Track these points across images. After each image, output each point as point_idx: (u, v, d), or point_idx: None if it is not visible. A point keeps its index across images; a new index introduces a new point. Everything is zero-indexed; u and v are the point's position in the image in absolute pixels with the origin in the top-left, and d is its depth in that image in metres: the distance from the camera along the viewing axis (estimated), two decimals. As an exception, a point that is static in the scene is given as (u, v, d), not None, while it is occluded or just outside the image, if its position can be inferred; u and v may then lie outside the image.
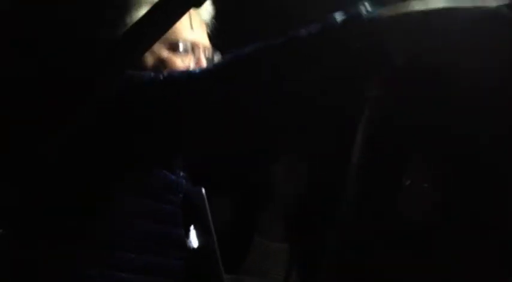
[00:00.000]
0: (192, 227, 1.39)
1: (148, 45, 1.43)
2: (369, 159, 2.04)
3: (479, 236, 1.91)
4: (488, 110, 1.82)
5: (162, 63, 1.39)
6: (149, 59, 1.39)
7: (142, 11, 1.35)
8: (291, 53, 1.06)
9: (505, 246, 1.90)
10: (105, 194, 1.22)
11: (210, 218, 1.40)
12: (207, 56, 1.46)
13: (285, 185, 2.50)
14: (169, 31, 1.38)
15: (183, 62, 1.41)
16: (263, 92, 1.08)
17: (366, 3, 1.03)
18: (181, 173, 1.38)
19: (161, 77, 1.20)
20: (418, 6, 1.00)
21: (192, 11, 1.45)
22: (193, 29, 1.44)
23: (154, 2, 1.23)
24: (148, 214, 1.27)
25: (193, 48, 1.43)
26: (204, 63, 1.44)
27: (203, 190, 1.41)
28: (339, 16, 1.04)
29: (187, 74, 1.21)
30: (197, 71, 1.21)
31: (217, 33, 1.56)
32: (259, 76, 1.08)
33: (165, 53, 1.40)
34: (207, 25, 1.53)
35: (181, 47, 1.41)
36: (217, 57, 1.48)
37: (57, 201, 1.23)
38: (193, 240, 1.39)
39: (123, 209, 1.25)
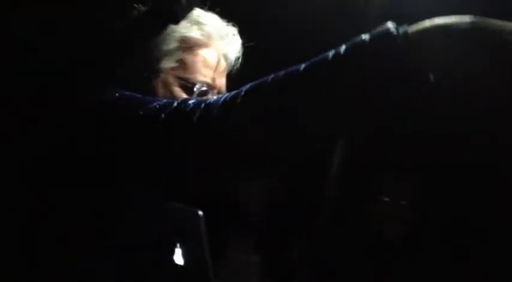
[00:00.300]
0: (178, 245, 1.38)
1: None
2: (345, 177, 2.07)
3: (452, 254, 1.96)
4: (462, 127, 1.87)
5: (173, 97, 1.34)
6: (160, 90, 1.37)
7: None
8: (316, 77, 1.05)
9: (478, 264, 1.94)
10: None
11: (205, 237, 1.40)
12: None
13: (255, 200, 2.51)
14: (190, 69, 1.39)
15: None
16: (280, 119, 1.07)
17: (391, 22, 1.02)
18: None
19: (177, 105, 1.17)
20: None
21: (221, 54, 1.45)
22: (216, 71, 1.42)
23: None
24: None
25: (207, 91, 1.40)
26: None
27: (200, 212, 1.41)
28: (365, 36, 1.03)
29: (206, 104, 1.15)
30: (215, 99, 1.16)
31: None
32: (282, 103, 1.07)
33: (178, 90, 1.37)
34: (231, 67, 1.50)
35: (196, 90, 1.38)
36: None
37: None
38: (179, 258, 1.38)
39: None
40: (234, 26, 1.48)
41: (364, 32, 1.05)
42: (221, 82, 1.44)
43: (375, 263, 2.09)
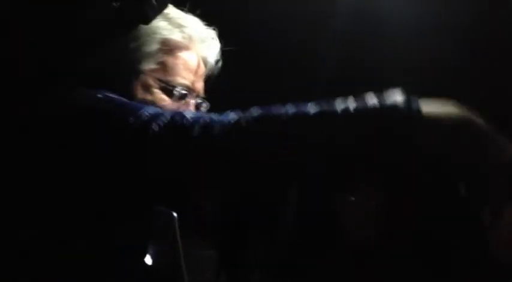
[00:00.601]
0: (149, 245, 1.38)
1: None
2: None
3: (420, 256, 1.99)
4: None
5: (151, 100, 1.35)
6: (140, 91, 1.36)
7: None
8: (322, 126, 1.04)
9: (446, 266, 1.98)
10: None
11: (178, 238, 1.40)
12: (197, 103, 1.44)
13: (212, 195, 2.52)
14: (170, 71, 1.38)
15: (172, 105, 1.38)
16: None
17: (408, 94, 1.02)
18: None
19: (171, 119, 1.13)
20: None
21: (200, 57, 1.44)
22: (196, 75, 1.42)
23: None
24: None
25: (186, 94, 1.40)
26: (192, 111, 1.41)
27: (174, 213, 1.41)
28: (375, 100, 1.03)
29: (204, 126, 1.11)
30: (217, 117, 1.12)
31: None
32: (285, 140, 1.05)
33: (157, 92, 1.37)
34: (210, 71, 1.50)
35: (176, 93, 1.38)
36: (205, 105, 1.47)
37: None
38: (152, 259, 1.38)
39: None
40: (213, 29, 1.49)
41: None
42: (200, 86, 1.44)
43: (337, 260, 2.12)
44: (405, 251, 2.03)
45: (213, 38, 1.47)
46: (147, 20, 1.44)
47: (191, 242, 2.61)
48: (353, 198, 2.13)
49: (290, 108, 1.07)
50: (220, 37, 1.52)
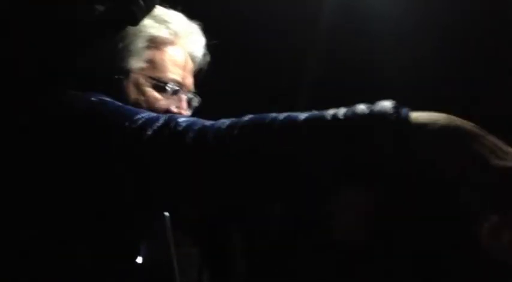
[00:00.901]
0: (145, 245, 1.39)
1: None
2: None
3: (411, 258, 2.00)
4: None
5: (145, 99, 1.37)
6: (132, 91, 1.36)
7: None
8: (312, 133, 1.04)
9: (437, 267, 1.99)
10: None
11: (171, 238, 1.41)
12: (188, 98, 1.46)
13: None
14: (160, 68, 1.39)
15: (166, 102, 1.39)
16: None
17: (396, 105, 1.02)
18: None
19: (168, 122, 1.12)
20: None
21: (187, 52, 1.46)
22: (185, 70, 1.43)
23: None
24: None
25: (178, 90, 1.41)
26: (184, 106, 1.43)
27: (166, 213, 1.41)
28: (365, 107, 1.03)
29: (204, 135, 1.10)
30: (209, 122, 1.13)
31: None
32: (275, 147, 1.05)
33: (150, 90, 1.38)
34: (198, 66, 1.52)
35: (168, 89, 1.39)
36: (197, 100, 1.48)
37: None
38: (145, 259, 1.39)
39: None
40: (198, 24, 1.51)
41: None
42: (190, 81, 1.46)
43: (327, 260, 2.13)
44: (396, 252, 2.05)
45: (198, 32, 1.48)
46: (136, 20, 1.44)
47: (177, 239, 2.62)
48: (346, 200, 2.14)
49: (281, 115, 1.07)
50: (207, 37, 1.54)
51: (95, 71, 1.35)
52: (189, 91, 1.46)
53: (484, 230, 0.98)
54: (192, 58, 1.49)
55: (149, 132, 1.10)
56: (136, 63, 1.38)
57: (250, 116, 1.10)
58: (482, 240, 0.98)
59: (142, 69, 1.38)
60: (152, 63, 1.40)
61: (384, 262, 2.05)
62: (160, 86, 1.38)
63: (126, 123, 1.12)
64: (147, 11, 1.47)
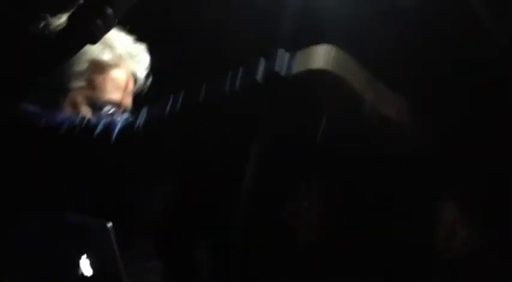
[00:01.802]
0: (84, 256, 1.42)
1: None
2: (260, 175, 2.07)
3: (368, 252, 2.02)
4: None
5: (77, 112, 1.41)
6: (68, 109, 1.43)
7: None
8: (213, 106, 1.12)
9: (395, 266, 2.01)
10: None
11: (115, 247, 1.45)
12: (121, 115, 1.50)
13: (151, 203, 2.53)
14: (99, 89, 1.44)
15: (97, 119, 1.42)
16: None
17: (282, 51, 1.09)
18: None
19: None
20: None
21: (130, 73, 1.51)
22: (125, 91, 1.49)
23: None
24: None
25: (114, 111, 1.47)
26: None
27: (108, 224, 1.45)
28: (259, 66, 1.10)
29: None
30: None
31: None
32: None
33: (85, 110, 1.44)
34: (140, 85, 1.57)
35: (104, 109, 1.45)
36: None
37: None
38: (87, 269, 1.42)
39: None
40: (142, 43, 1.56)
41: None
42: (128, 101, 1.51)
43: (286, 259, 2.13)
44: (354, 248, 2.05)
45: (143, 53, 1.54)
46: (95, 40, 1.50)
47: (133, 253, 2.62)
48: (303, 202, 2.16)
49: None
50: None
51: (37, 87, 1.40)
52: (125, 111, 1.51)
53: (441, 232, 1.01)
54: (135, 78, 1.54)
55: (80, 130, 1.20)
56: (76, 83, 1.43)
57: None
58: (437, 241, 1.01)
59: (81, 88, 1.44)
60: (92, 84, 1.46)
61: (341, 258, 2.06)
62: (96, 106, 1.45)
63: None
64: (106, 30, 1.53)
